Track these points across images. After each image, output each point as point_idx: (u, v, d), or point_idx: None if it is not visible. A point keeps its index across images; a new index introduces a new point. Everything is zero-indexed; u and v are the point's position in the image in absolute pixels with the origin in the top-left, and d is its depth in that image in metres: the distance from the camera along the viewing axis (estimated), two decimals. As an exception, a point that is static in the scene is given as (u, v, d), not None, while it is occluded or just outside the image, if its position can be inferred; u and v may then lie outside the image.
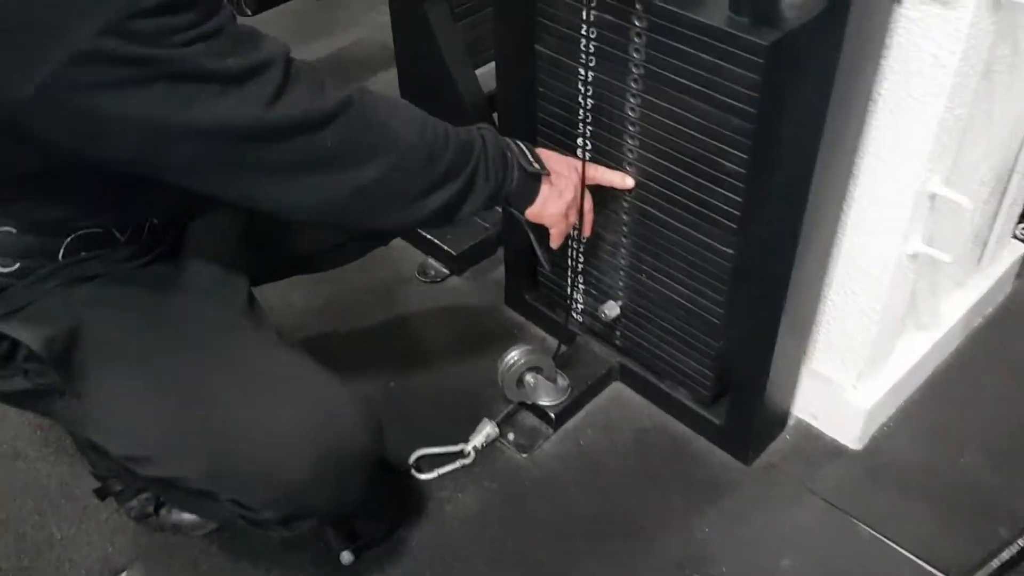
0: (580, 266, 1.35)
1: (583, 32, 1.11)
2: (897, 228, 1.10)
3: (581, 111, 1.18)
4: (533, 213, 1.09)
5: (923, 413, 1.37)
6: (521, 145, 1.07)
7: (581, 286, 1.38)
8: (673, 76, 1.04)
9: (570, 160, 1.14)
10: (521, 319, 1.54)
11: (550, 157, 1.10)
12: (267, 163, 0.83)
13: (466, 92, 1.59)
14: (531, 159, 1.06)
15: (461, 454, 1.32)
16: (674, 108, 1.06)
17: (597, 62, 1.12)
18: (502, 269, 1.55)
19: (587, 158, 1.22)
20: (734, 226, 1.09)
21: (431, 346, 1.51)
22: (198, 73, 0.74)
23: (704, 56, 1.00)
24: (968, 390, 1.40)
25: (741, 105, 0.99)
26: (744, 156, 1.03)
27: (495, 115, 1.72)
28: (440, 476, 1.30)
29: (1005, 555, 1.16)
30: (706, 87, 1.01)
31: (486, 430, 1.33)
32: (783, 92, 0.96)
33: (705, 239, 1.13)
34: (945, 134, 1.02)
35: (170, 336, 0.96)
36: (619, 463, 1.32)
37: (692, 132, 1.06)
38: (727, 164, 1.05)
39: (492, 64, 1.66)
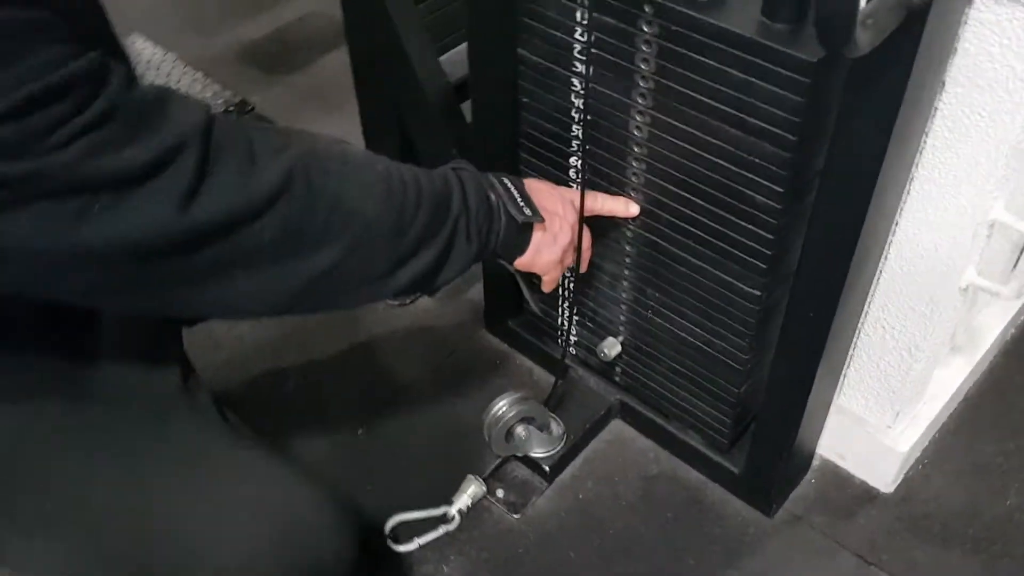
0: (572, 295, 1.18)
1: (577, 36, 0.92)
2: (951, 260, 0.94)
3: (574, 127, 0.99)
4: (524, 263, 0.90)
5: (959, 446, 1.22)
6: (507, 183, 0.86)
7: (575, 317, 1.20)
8: (690, 92, 0.86)
9: (564, 193, 0.94)
10: (504, 346, 1.36)
11: (541, 193, 0.90)
12: (188, 274, 0.62)
13: (428, 82, 1.39)
14: (521, 203, 0.86)
15: (444, 518, 1.15)
16: (691, 129, 0.88)
17: (595, 72, 0.93)
18: (480, 287, 1.37)
19: (582, 181, 1.03)
20: (763, 265, 0.92)
21: (403, 383, 1.33)
22: (85, 180, 0.54)
23: (731, 71, 0.81)
24: (1006, 414, 1.26)
25: (777, 130, 0.81)
26: (779, 189, 0.85)
27: (467, 113, 1.56)
28: (421, 547, 1.13)
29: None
30: (733, 107, 0.83)
31: (471, 489, 1.16)
32: (831, 117, 0.78)
33: (727, 278, 0.96)
34: (1016, 157, 0.85)
35: (84, 461, 0.77)
36: (624, 520, 1.16)
37: (714, 158, 0.88)
38: (757, 197, 0.87)
39: (460, 49, 1.49)
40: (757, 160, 0.85)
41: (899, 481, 1.18)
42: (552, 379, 1.30)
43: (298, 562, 0.80)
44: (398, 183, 0.75)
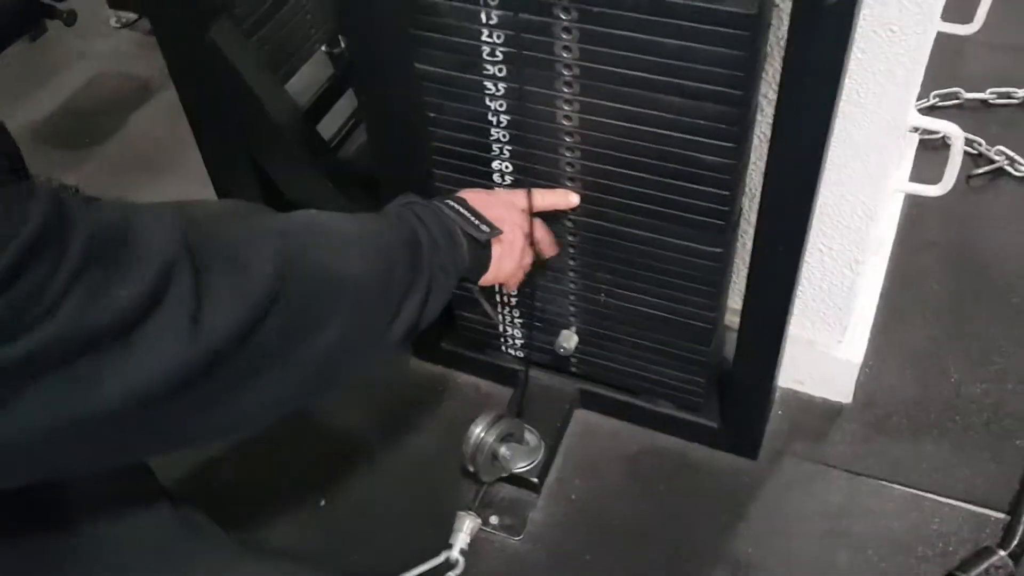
0: (511, 299, 1.14)
1: (485, 38, 0.87)
2: (880, 170, 0.97)
3: (493, 131, 0.95)
4: (488, 279, 0.90)
5: (893, 342, 1.28)
6: (455, 206, 0.85)
7: (517, 320, 1.16)
8: (621, 70, 0.83)
9: (503, 196, 0.93)
10: (440, 369, 1.31)
11: (485, 204, 0.89)
12: (204, 400, 0.56)
13: (280, 114, 1.31)
14: (476, 222, 0.85)
15: (448, 564, 1.09)
16: (627, 107, 0.86)
17: (510, 70, 0.88)
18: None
19: (508, 184, 0.99)
20: (721, 222, 0.92)
21: (348, 437, 1.24)
22: (89, 335, 0.47)
23: (665, 41, 0.79)
24: (920, 302, 1.33)
25: (722, 89, 0.80)
26: (731, 145, 0.84)
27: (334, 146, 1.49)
28: (435, 601, 1.07)
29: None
30: (670, 75, 0.82)
31: (466, 525, 1.10)
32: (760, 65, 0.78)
33: (685, 243, 0.95)
34: (921, 64, 0.89)
35: None
36: (623, 506, 1.14)
37: (656, 130, 0.86)
38: (708, 158, 0.86)
39: (302, 74, 1.42)
40: (703, 123, 0.84)
41: (855, 391, 1.23)
42: (502, 389, 1.26)
43: None
44: (371, 237, 0.72)
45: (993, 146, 1.47)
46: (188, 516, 0.77)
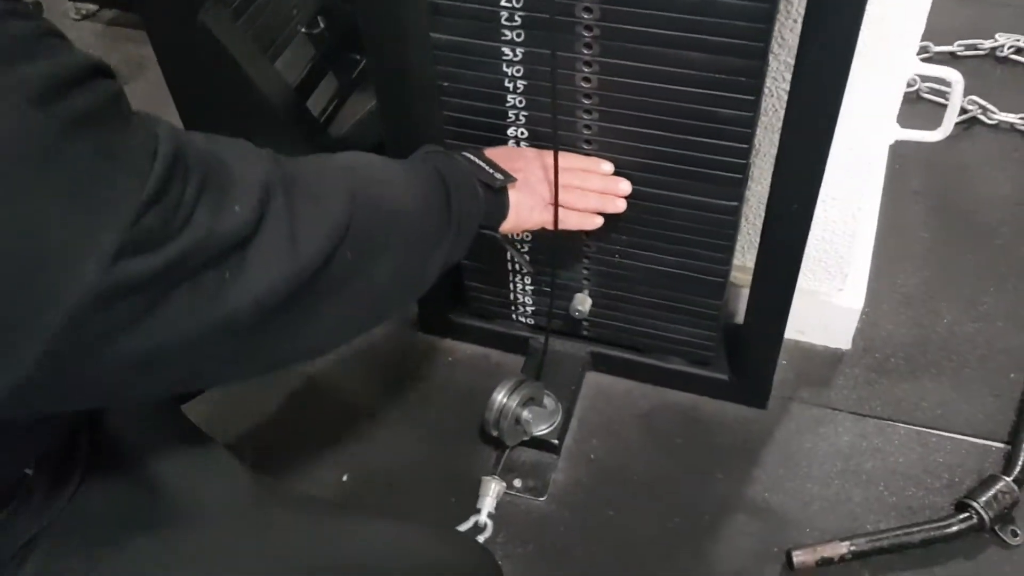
0: (523, 266, 1.15)
1: (504, 3, 0.88)
2: (882, 119, 1.00)
3: (511, 97, 0.96)
4: (508, 227, 0.91)
5: (885, 287, 1.33)
6: (470, 156, 0.87)
7: (529, 287, 1.18)
8: (643, 28, 0.85)
9: (529, 152, 0.95)
10: (448, 342, 1.32)
11: (507, 156, 0.92)
12: (299, 315, 0.58)
13: (273, 93, 1.31)
14: (490, 171, 0.87)
15: (477, 528, 1.11)
16: (648, 65, 0.88)
17: (528, 35, 0.90)
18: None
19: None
20: (739, 176, 0.94)
21: (364, 413, 1.25)
22: (216, 248, 0.50)
23: (688, -4, 0.81)
24: (909, 247, 1.38)
25: (746, 42, 0.82)
26: (751, 98, 0.87)
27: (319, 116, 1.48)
28: (468, 564, 1.09)
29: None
30: (692, 31, 0.83)
31: (492, 488, 1.12)
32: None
33: (701, 199, 0.97)
34: (924, 12, 0.92)
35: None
36: (642, 461, 1.17)
37: (676, 87, 0.88)
38: (727, 112, 0.88)
39: (288, 52, 1.42)
40: (723, 77, 0.86)
41: (854, 337, 1.27)
42: (513, 357, 1.28)
43: None
44: (412, 178, 0.76)
45: (965, 96, 1.52)
46: (260, 479, 0.78)
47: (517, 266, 1.15)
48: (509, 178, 0.88)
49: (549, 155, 0.91)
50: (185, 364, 0.52)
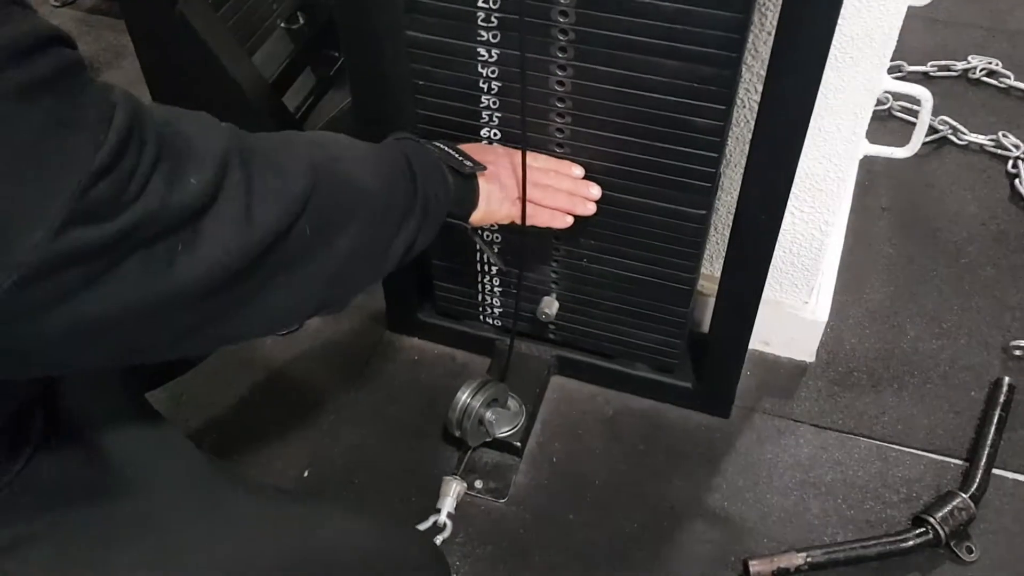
0: (491, 267, 1.15)
1: (481, 4, 0.88)
2: (852, 135, 1.01)
3: (486, 98, 0.96)
4: (479, 218, 0.90)
5: (851, 301, 1.34)
6: (440, 145, 0.87)
7: (497, 288, 1.18)
8: (618, 34, 0.85)
9: (500, 149, 0.95)
10: (415, 341, 1.31)
11: (478, 150, 0.92)
12: (252, 289, 0.58)
13: (249, 86, 1.31)
14: (460, 158, 0.87)
15: (436, 527, 1.11)
16: (621, 71, 0.88)
17: (503, 36, 0.90)
18: (367, 295, 1.31)
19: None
20: (708, 185, 0.95)
21: (328, 410, 1.24)
22: (169, 219, 0.50)
23: (663, 3, 0.82)
24: (874, 262, 1.40)
25: (718, 51, 0.83)
26: (722, 107, 0.87)
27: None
28: (426, 563, 1.08)
29: (994, 421, 1.18)
30: (666, 39, 0.84)
31: (453, 489, 1.12)
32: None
33: (670, 206, 0.98)
34: (895, 30, 0.93)
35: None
36: (603, 467, 1.17)
37: (648, 93, 0.89)
38: (699, 120, 0.89)
39: (267, 47, 1.42)
40: (696, 85, 0.86)
41: (818, 349, 1.28)
42: (478, 358, 1.28)
43: None
44: (379, 158, 0.76)
45: (936, 116, 1.54)
46: (215, 461, 0.77)
47: (486, 267, 1.15)
48: (479, 166, 0.88)
49: (519, 154, 0.91)
50: (135, 333, 0.53)
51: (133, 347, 0.55)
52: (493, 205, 0.91)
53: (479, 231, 1.08)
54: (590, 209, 0.98)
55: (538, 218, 0.95)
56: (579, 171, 0.97)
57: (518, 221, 0.94)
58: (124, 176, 0.47)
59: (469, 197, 0.88)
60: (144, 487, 0.70)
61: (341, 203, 0.66)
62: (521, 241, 1.04)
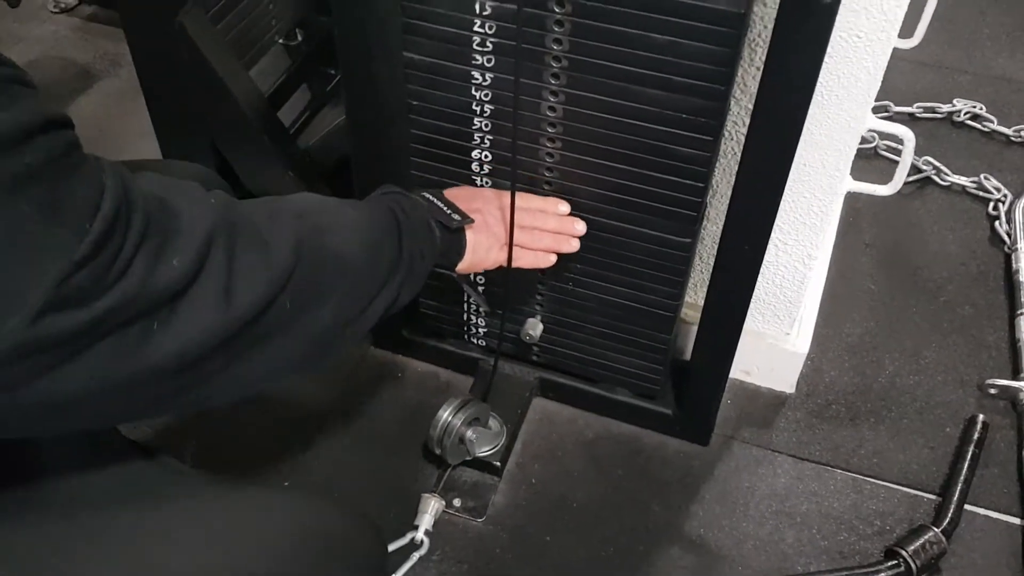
0: (479, 307, 1.17)
1: (477, 29, 0.90)
2: (836, 170, 1.04)
3: (478, 121, 0.98)
4: (465, 267, 0.93)
5: (831, 335, 1.36)
6: (428, 196, 0.89)
7: (482, 309, 1.19)
8: (610, 63, 0.87)
9: (488, 193, 0.98)
10: (399, 358, 1.32)
11: (467, 197, 0.94)
12: (227, 362, 0.59)
13: (245, 100, 1.31)
14: (448, 211, 0.89)
15: (413, 545, 1.11)
16: (611, 99, 0.90)
17: (498, 61, 0.92)
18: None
19: (486, 173, 1.02)
20: (694, 214, 0.96)
21: (311, 422, 1.25)
22: (148, 301, 0.51)
23: (654, 35, 0.84)
24: (855, 296, 1.42)
25: (707, 84, 0.85)
26: (709, 138, 0.89)
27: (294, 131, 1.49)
28: (401, 580, 1.09)
29: (968, 457, 1.19)
30: (657, 70, 0.86)
31: (431, 506, 1.13)
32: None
33: (656, 233, 1.00)
34: (881, 70, 0.95)
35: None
36: (581, 490, 1.18)
37: (638, 122, 0.91)
38: (686, 151, 0.91)
39: (265, 61, 1.43)
40: (685, 116, 0.88)
41: (798, 382, 1.29)
42: (462, 377, 1.29)
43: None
44: (365, 222, 0.77)
45: (920, 156, 1.57)
46: (165, 462, 0.77)
47: (474, 305, 1.17)
48: (466, 219, 0.90)
49: (507, 196, 0.93)
50: (107, 405, 0.54)
51: (106, 417, 0.57)
52: (480, 254, 0.93)
53: (466, 276, 1.08)
54: (574, 246, 1.00)
55: (523, 260, 0.98)
56: (565, 207, 0.99)
57: (527, 259, 0.97)
58: (106, 262, 0.48)
59: (456, 248, 0.90)
60: (65, 483, 0.70)
61: (323, 275, 0.67)
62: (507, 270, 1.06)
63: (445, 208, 0.89)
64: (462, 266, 0.92)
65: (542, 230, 0.99)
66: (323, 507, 0.81)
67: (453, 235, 0.89)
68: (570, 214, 1.00)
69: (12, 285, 0.45)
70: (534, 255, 0.99)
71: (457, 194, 0.94)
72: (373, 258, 0.75)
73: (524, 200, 0.97)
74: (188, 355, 0.54)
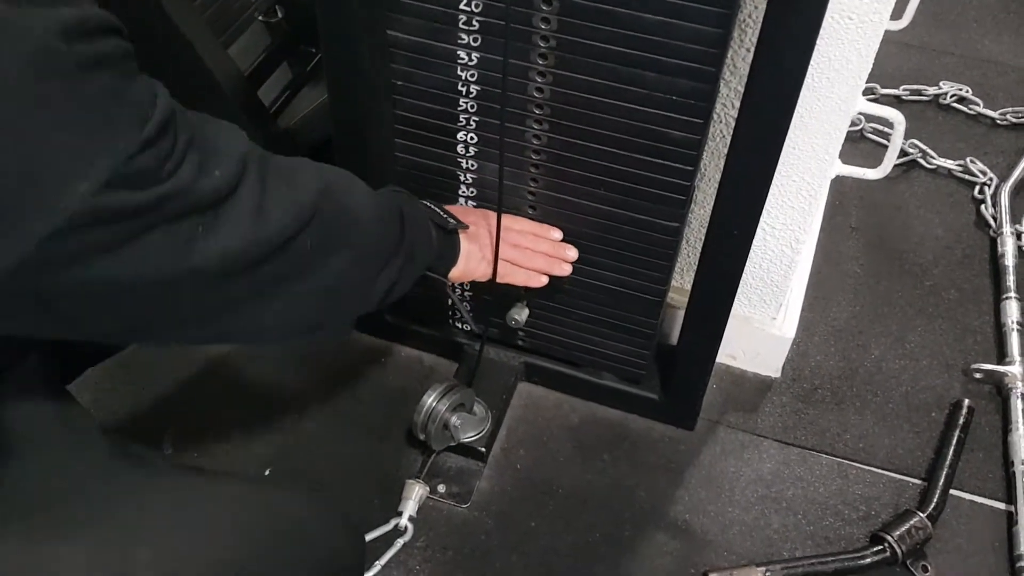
0: (464, 320, 1.16)
1: (463, 7, 0.88)
2: (826, 154, 1.02)
3: (463, 101, 0.96)
4: (457, 274, 0.96)
5: (817, 319, 1.36)
6: (427, 203, 0.94)
7: (467, 293, 1.17)
8: (599, 44, 0.85)
9: (483, 211, 1.02)
10: (382, 342, 1.31)
11: (462, 211, 0.99)
12: (253, 288, 0.63)
13: (224, 78, 1.29)
14: (444, 216, 0.93)
15: (397, 531, 1.10)
16: (600, 80, 0.88)
17: (484, 40, 0.90)
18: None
19: (472, 155, 1.00)
20: (682, 198, 0.95)
21: (292, 407, 1.23)
22: (196, 200, 0.56)
23: (646, 16, 0.82)
24: (842, 280, 1.41)
25: (698, 65, 0.83)
26: (699, 121, 0.88)
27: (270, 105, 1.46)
28: (385, 567, 1.08)
29: (953, 442, 1.19)
30: (648, 51, 0.84)
31: (416, 492, 1.11)
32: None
33: (644, 218, 0.98)
34: (872, 52, 0.94)
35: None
36: (567, 475, 1.17)
37: (627, 104, 0.89)
38: (675, 133, 0.89)
39: (243, 40, 1.40)
40: (675, 98, 0.87)
41: (783, 367, 1.29)
42: (446, 362, 1.28)
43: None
44: (375, 197, 0.80)
45: (907, 140, 1.56)
46: (138, 453, 0.75)
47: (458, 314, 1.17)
48: (461, 225, 0.94)
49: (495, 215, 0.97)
50: (143, 305, 0.57)
51: (137, 323, 0.59)
52: (472, 263, 0.96)
53: (455, 288, 1.14)
54: (566, 270, 1.03)
55: (514, 277, 1.01)
56: (558, 234, 1.02)
57: (495, 279, 1.00)
58: (163, 153, 0.52)
59: (450, 253, 0.94)
60: (43, 468, 0.69)
61: (340, 227, 0.71)
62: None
63: (441, 212, 0.93)
64: (455, 273, 0.95)
65: (534, 251, 1.02)
66: (296, 499, 0.80)
67: (448, 237, 0.93)
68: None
69: (86, 151, 0.48)
70: (526, 274, 1.02)
71: (453, 208, 0.97)
72: (382, 231, 0.79)
73: (518, 223, 1.02)
74: (226, 264, 0.59)
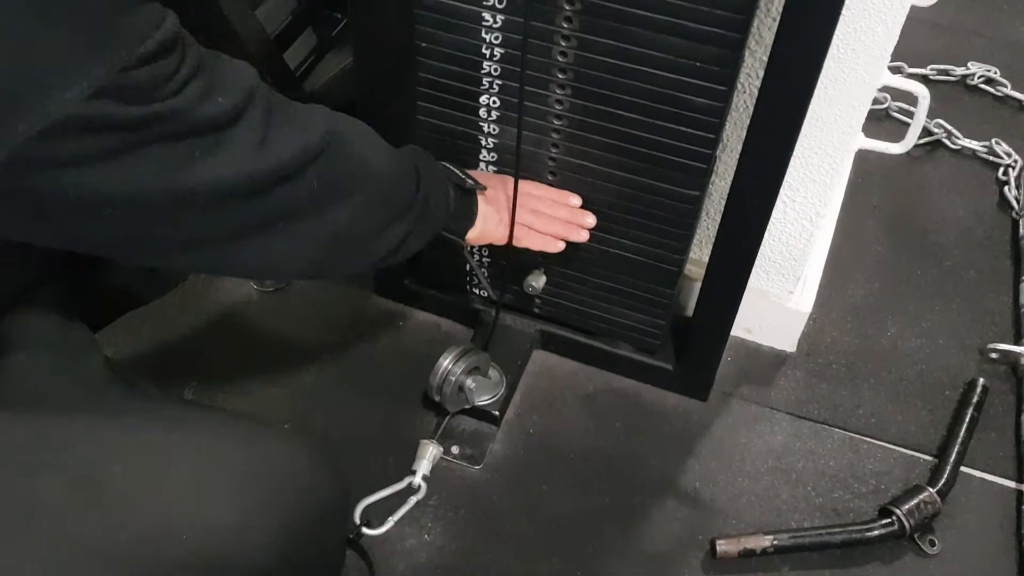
0: (480, 283, 1.17)
1: (489, -32, 0.88)
2: (848, 127, 1.02)
3: (487, 64, 0.96)
4: (474, 236, 0.96)
5: (835, 295, 1.36)
6: (446, 164, 0.94)
7: (486, 259, 1.18)
8: (625, 7, 0.86)
9: (494, 175, 1.02)
10: (400, 307, 1.32)
11: (481, 175, 0.99)
12: (253, 220, 0.65)
13: (251, 40, 1.30)
14: (463, 176, 0.94)
15: (410, 489, 1.11)
16: (625, 45, 0.88)
17: (509, 3, 0.90)
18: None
19: (493, 119, 1.01)
20: (704, 166, 0.95)
21: (311, 367, 1.25)
22: (195, 124, 0.57)
23: (671, -20, 0.82)
24: (861, 258, 1.41)
25: (724, 31, 0.84)
26: (723, 88, 0.88)
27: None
28: (397, 523, 1.09)
29: (966, 420, 1.19)
30: (672, 15, 0.84)
31: (429, 452, 1.13)
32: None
33: (665, 186, 0.99)
34: (899, 24, 0.94)
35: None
36: (579, 441, 1.18)
37: (651, 70, 0.89)
38: (699, 100, 0.90)
39: (269, 2, 1.40)
40: (699, 64, 0.87)
41: (799, 341, 1.29)
42: (463, 328, 1.29)
43: (297, 521, 0.70)
44: (390, 151, 0.80)
45: (932, 119, 1.55)
46: (139, 384, 0.77)
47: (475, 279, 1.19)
48: (479, 185, 0.95)
49: (520, 185, 0.97)
50: (139, 223, 0.58)
51: (134, 239, 0.60)
52: (489, 225, 0.97)
53: (472, 251, 1.14)
54: (584, 237, 1.04)
55: (531, 241, 1.02)
56: (576, 200, 1.02)
57: (512, 243, 1.01)
58: (164, 73, 0.53)
59: (467, 214, 0.94)
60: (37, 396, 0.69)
61: (350, 172, 0.72)
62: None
63: (459, 172, 0.93)
64: (472, 234, 0.95)
65: (552, 217, 1.02)
66: (279, 436, 0.77)
67: (466, 197, 0.93)
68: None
69: (78, 56, 0.49)
70: (543, 239, 1.02)
71: (472, 172, 0.98)
72: (395, 183, 0.79)
73: (537, 189, 1.01)
74: (221, 189, 0.59)
